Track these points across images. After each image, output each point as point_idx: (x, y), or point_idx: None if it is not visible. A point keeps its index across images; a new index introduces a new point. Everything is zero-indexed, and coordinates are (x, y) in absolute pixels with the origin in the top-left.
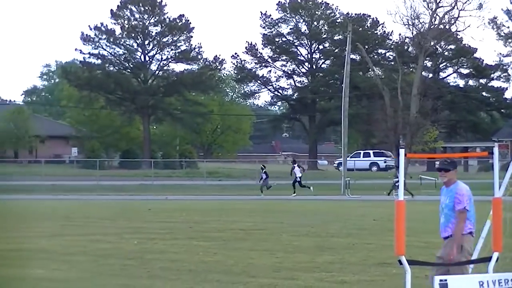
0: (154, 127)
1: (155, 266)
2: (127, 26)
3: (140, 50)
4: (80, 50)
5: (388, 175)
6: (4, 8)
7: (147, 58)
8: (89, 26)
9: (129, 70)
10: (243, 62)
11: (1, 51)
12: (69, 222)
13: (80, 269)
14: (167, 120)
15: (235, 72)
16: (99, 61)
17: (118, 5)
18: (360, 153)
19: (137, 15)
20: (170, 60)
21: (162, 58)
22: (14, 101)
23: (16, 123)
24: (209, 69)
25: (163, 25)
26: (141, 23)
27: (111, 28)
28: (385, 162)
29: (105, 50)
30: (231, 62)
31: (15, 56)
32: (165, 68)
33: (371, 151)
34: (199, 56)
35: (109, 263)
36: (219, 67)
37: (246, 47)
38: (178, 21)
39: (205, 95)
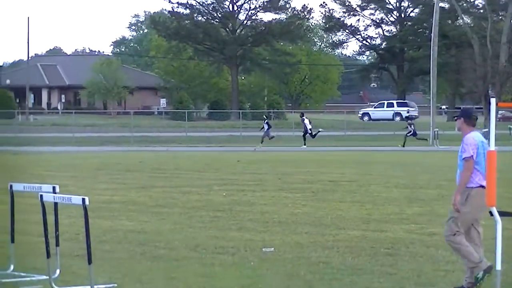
0: (243, 78)
1: (245, 218)
2: None
3: (229, 0)
4: (169, 0)
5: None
6: None
7: (235, 8)
8: None
9: (217, 20)
10: (331, 11)
11: (91, 2)
12: (158, 174)
13: (170, 221)
14: (255, 70)
15: (323, 21)
16: (188, 11)
17: None
18: (384, 103)
19: None
20: (258, 9)
21: (250, 7)
22: (103, 52)
23: (105, 74)
24: (298, 18)
25: None
26: None
27: None
28: (408, 112)
29: None
30: (319, 11)
31: (104, 7)
32: (253, 17)
33: (394, 102)
34: (287, 5)
35: (199, 215)
36: (307, 16)
37: None
38: None
39: (293, 44)
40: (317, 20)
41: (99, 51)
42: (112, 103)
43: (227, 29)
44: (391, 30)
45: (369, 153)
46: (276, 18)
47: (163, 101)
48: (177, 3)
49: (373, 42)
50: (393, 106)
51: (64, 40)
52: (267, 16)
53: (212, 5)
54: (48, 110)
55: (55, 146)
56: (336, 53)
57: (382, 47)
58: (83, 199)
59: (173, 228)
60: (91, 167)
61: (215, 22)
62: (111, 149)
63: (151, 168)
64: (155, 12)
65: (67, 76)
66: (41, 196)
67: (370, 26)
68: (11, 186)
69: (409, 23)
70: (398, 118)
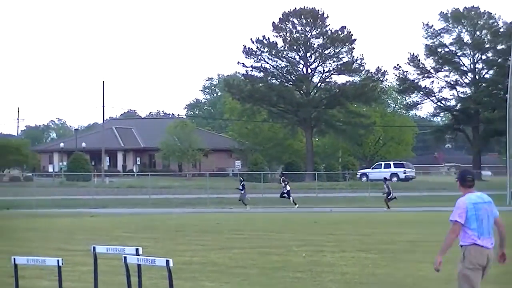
0: (317, 139)
1: (326, 279)
2: (289, 38)
3: (302, 63)
4: (243, 63)
5: None
6: (168, 24)
7: (309, 70)
8: (251, 39)
9: (291, 83)
10: (405, 73)
11: (165, 65)
12: (236, 235)
13: (251, 282)
14: (329, 132)
15: (398, 83)
16: (261, 74)
17: (280, 18)
18: (381, 164)
19: (299, 28)
20: (332, 72)
21: (324, 70)
22: (178, 115)
23: (180, 137)
24: (371, 80)
25: (325, 37)
26: (303, 35)
27: (273, 41)
28: (404, 173)
29: (267, 63)
30: (393, 73)
31: (178, 71)
32: (327, 80)
33: (391, 162)
34: (361, 68)
35: (279, 275)
36: (381, 78)
37: (408, 58)
38: (340, 33)
39: (367, 106)
40: (391, 82)
41: (173, 114)
42: (187, 165)
43: (301, 91)
44: (466, 91)
45: (444, 213)
46: (350, 81)
47: (238, 163)
48: (251, 66)
49: (448, 104)
50: (390, 167)
51: (139, 103)
52: (341, 79)
53: (286, 68)
54: (124, 172)
55: (131, 208)
56: (410, 114)
57: (457, 108)
58: (167, 261)
59: None
60: (169, 228)
61: (289, 85)
62: (187, 211)
63: (229, 229)
64: (228, 75)
65: (142, 139)
66: (125, 258)
67: (445, 87)
68: (94, 248)
69: (484, 84)
70: (395, 179)
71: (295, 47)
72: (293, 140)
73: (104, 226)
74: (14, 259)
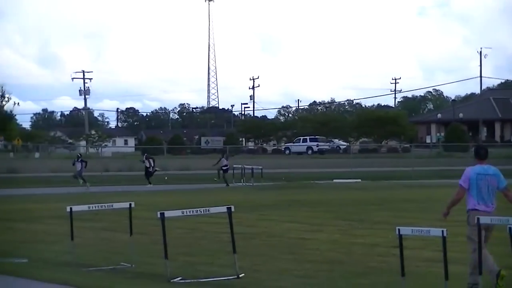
0: None
1: None
2: None
3: None
4: None
5: None
6: None
7: None
8: None
9: None
10: None
11: None
12: None
13: None
14: None
15: None
16: None
17: None
18: (300, 139)
19: None
20: None
21: None
22: None
23: None
24: None
25: None
26: None
27: None
28: (317, 146)
29: None
30: None
31: None
32: None
33: (308, 137)
34: None
35: None
36: None
37: None
38: None
39: None
40: None
41: None
42: None
43: None
44: None
45: None
46: None
47: None
48: None
49: None
50: (306, 141)
51: None
52: None
53: None
54: (501, 143)
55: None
56: None
57: None
58: None
59: None
60: None
61: None
62: None
63: None
64: None
65: None
66: (510, 228)
67: None
68: (477, 219)
69: None
70: (310, 151)
71: None
72: None
73: None
74: (399, 229)
